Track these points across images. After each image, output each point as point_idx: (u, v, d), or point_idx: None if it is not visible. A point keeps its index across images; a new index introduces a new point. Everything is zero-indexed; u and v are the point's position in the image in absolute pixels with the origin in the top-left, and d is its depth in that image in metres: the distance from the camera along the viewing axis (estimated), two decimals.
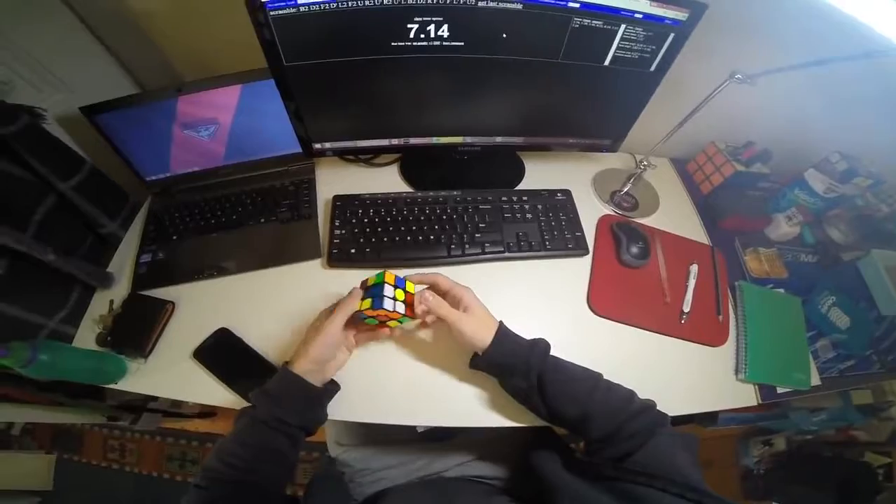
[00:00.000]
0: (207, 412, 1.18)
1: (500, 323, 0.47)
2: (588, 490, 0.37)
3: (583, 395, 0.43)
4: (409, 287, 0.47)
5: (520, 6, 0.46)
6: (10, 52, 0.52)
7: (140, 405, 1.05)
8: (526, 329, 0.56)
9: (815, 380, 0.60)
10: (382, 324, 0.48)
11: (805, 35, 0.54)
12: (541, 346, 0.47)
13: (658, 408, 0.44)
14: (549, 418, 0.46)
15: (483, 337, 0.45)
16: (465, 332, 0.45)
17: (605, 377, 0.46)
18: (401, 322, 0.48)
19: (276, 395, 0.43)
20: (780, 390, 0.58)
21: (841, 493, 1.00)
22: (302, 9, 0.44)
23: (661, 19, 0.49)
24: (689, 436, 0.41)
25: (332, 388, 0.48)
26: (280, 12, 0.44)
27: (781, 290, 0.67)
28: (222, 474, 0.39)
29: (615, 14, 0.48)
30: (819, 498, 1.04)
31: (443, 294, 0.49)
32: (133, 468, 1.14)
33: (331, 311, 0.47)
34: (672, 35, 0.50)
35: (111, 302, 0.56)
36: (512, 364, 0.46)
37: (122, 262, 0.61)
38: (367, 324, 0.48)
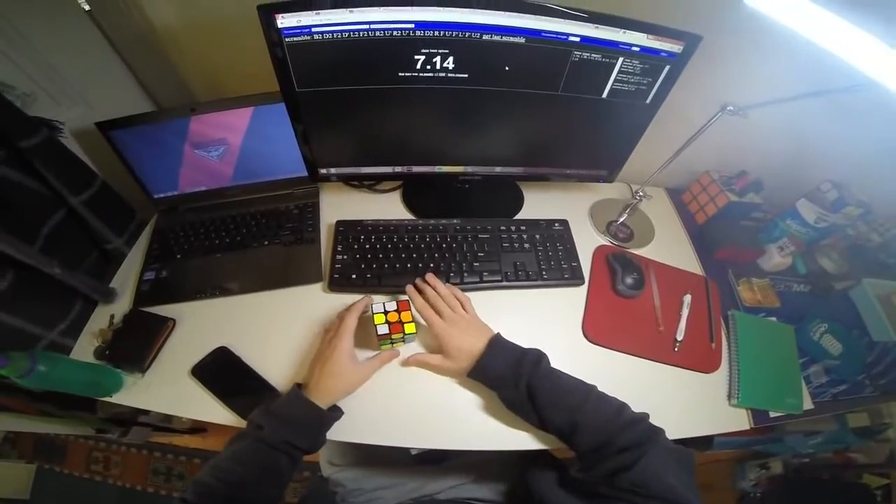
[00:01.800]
0: (198, 428, 1.16)
1: (495, 335, 0.49)
2: None
3: (573, 406, 0.43)
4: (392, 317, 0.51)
5: (522, 40, 0.48)
6: (36, 64, 0.54)
7: (130, 419, 1.03)
8: None
9: (808, 404, 0.60)
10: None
11: (792, 69, 0.56)
12: (532, 355, 0.47)
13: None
14: (541, 428, 0.46)
15: (472, 351, 0.47)
16: (446, 371, 0.48)
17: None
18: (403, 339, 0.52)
19: (288, 416, 0.43)
20: (772, 414, 0.58)
21: None
22: (316, 37, 0.46)
23: (657, 52, 0.51)
24: (684, 450, 0.40)
25: (337, 413, 0.48)
26: (295, 39, 0.46)
27: (774, 319, 0.68)
28: (213, 490, 0.39)
29: (613, 47, 0.50)
30: None
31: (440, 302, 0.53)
32: (116, 481, 1.11)
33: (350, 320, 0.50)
34: (667, 67, 0.52)
35: (111, 316, 0.56)
36: (502, 374, 0.46)
37: (125, 279, 0.61)
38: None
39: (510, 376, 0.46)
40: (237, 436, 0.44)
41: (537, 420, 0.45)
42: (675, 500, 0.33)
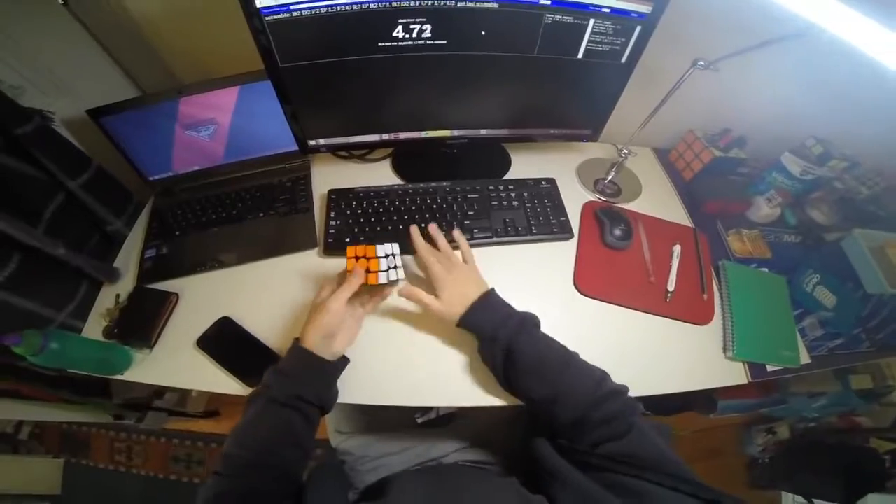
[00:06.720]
0: (212, 412, 1.19)
1: (490, 289, 0.48)
2: (586, 482, 0.36)
3: (551, 376, 0.41)
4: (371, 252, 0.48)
5: (496, 5, 0.49)
6: (20, 58, 0.55)
7: (145, 404, 1.06)
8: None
9: (805, 358, 0.60)
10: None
11: (755, 21, 0.55)
12: (513, 321, 0.45)
13: (634, 393, 0.43)
14: (515, 395, 0.46)
15: (465, 300, 0.47)
16: (437, 312, 0.47)
17: (594, 357, 0.45)
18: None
19: (291, 371, 0.43)
20: (769, 368, 0.58)
21: (848, 480, 0.99)
22: (294, 13, 0.47)
23: (627, 13, 0.52)
24: (662, 425, 0.40)
25: (342, 362, 0.49)
26: (275, 17, 0.48)
27: (765, 270, 0.68)
28: (238, 458, 0.40)
29: (584, 9, 0.51)
30: (827, 485, 1.03)
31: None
32: (140, 470, 1.15)
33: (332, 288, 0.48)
34: (639, 27, 0.53)
35: (117, 296, 0.58)
36: (483, 328, 0.46)
37: (128, 258, 0.63)
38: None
39: (489, 333, 0.45)
40: (251, 398, 0.44)
41: (513, 391, 0.45)
42: (672, 473, 0.32)
